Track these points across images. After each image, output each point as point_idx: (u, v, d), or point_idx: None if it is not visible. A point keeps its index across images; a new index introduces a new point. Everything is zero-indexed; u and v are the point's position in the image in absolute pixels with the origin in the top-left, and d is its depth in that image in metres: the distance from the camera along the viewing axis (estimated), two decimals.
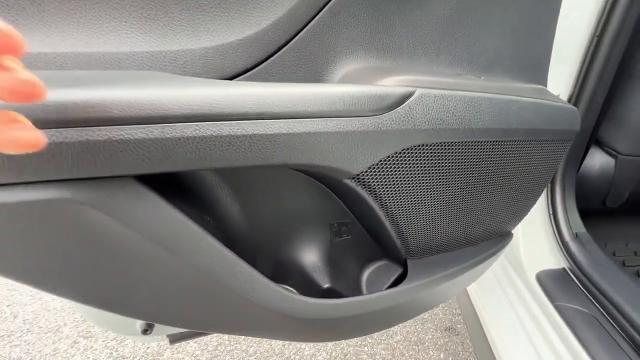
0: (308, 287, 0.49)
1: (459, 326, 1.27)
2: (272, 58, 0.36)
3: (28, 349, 1.20)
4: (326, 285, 0.51)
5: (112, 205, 0.28)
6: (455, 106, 0.36)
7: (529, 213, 0.61)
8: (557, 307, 0.66)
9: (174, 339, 0.70)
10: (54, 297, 1.42)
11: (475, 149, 0.41)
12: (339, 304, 0.45)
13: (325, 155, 0.32)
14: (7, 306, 1.39)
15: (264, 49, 0.35)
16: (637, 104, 0.78)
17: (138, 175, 0.28)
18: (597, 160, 0.90)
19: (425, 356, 1.15)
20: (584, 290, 0.69)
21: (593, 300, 0.67)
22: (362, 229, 0.53)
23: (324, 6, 0.36)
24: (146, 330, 0.53)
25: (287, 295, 0.40)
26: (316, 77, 0.39)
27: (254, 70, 0.36)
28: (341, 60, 0.39)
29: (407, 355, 1.15)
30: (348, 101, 0.31)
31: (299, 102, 0.30)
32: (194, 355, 1.15)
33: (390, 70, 0.39)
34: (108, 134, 0.25)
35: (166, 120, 0.26)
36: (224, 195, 0.42)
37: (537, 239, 0.80)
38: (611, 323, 0.61)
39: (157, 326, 0.61)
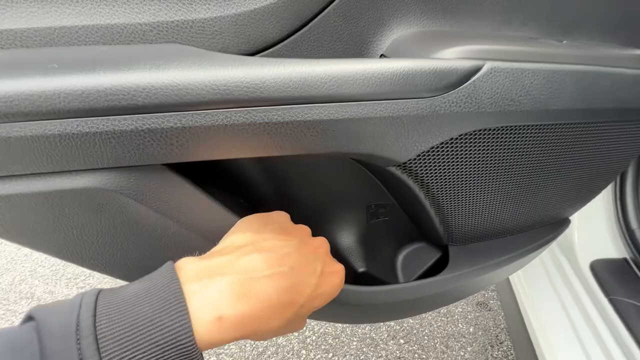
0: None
1: (491, 302, 1.24)
2: (309, 25, 0.31)
3: None
4: (361, 269, 0.49)
5: (142, 192, 0.28)
6: (531, 83, 0.30)
7: None
8: (612, 301, 0.60)
9: None
10: None
11: (547, 132, 0.34)
12: (376, 292, 0.43)
13: (369, 143, 0.28)
14: None
15: (301, 14, 0.30)
16: None
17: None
18: None
19: (454, 328, 1.15)
20: None
21: None
22: (401, 210, 0.50)
23: None
24: None
25: None
26: (360, 46, 0.33)
27: (288, 40, 0.31)
28: (390, 24, 0.33)
29: (435, 325, 1.16)
30: (400, 80, 0.26)
31: (342, 84, 0.25)
32: None
33: (450, 36, 0.33)
34: (134, 123, 0.23)
35: (193, 108, 0.23)
36: (258, 178, 0.40)
37: (595, 223, 0.71)
38: None
39: None
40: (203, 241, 0.31)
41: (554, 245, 0.79)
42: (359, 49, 0.34)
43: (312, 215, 0.46)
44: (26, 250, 1.60)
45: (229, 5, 0.29)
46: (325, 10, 0.31)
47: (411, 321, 1.18)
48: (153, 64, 0.23)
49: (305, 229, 0.31)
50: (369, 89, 0.26)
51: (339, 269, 0.30)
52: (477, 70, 0.28)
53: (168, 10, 0.28)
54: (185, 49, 0.28)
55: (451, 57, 0.28)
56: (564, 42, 0.37)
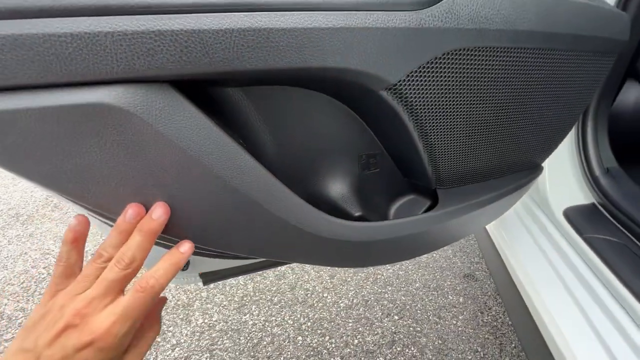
0: (339, 215, 0.49)
1: (477, 273, 1.29)
2: None
3: None
4: (357, 214, 0.51)
5: (149, 110, 0.27)
6: (500, 2, 0.33)
7: (557, 148, 0.59)
8: (586, 239, 0.65)
9: (207, 280, 0.73)
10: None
11: (516, 56, 0.38)
12: (371, 227, 0.45)
13: (361, 58, 0.31)
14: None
15: None
16: None
17: (176, 81, 0.28)
18: (632, 95, 0.85)
19: (445, 300, 1.18)
20: (615, 221, 0.68)
21: (624, 230, 0.66)
22: (391, 162, 0.53)
23: None
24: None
25: (320, 216, 0.40)
26: None
27: None
28: None
29: (426, 300, 1.19)
30: None
31: None
32: (222, 305, 1.21)
33: None
34: (145, 24, 0.24)
35: (201, 9, 0.25)
36: (255, 122, 0.42)
37: (564, 175, 0.78)
38: None
39: (191, 264, 0.64)
40: (206, 168, 0.31)
41: (530, 202, 0.84)
42: None
43: (306, 163, 0.48)
44: None
45: None
46: None
47: (403, 298, 1.20)
48: None
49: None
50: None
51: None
52: None
53: None
54: None
55: None
56: None
